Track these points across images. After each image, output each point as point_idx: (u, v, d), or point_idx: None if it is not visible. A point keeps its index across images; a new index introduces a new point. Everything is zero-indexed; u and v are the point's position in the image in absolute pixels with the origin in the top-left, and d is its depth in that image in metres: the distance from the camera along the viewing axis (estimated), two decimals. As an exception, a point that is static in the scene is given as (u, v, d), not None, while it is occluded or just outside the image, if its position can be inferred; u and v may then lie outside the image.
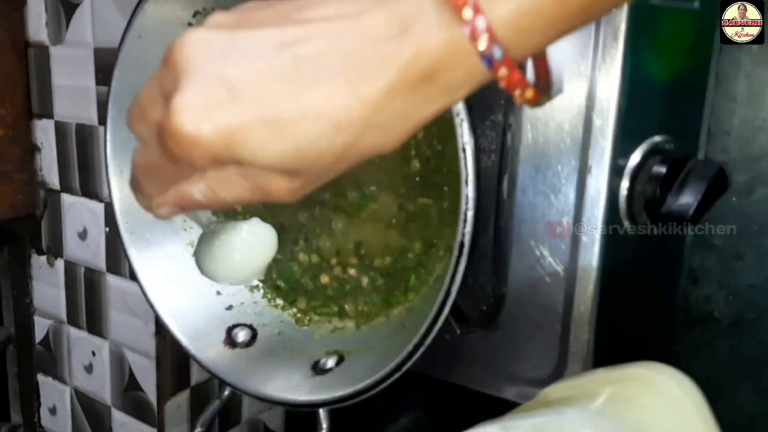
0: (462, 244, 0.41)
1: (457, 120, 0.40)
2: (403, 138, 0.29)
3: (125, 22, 0.55)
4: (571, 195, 0.47)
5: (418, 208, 0.52)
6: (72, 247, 0.87)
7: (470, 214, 0.41)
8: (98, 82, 0.78)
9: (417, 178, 0.52)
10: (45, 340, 0.94)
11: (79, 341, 0.89)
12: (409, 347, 0.44)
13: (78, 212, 0.85)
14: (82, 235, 0.85)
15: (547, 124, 0.47)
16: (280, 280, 0.60)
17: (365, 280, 0.56)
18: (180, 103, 0.27)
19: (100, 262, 0.83)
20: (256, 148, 0.28)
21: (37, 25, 0.82)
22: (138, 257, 0.59)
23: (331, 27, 0.28)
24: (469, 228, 0.41)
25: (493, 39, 0.26)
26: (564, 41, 0.45)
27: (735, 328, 0.65)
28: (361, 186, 0.55)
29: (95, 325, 0.87)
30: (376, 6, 0.27)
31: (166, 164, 0.30)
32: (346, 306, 0.57)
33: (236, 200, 0.31)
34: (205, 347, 0.57)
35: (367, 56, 0.27)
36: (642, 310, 0.57)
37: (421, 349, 0.44)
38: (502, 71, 0.27)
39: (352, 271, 0.56)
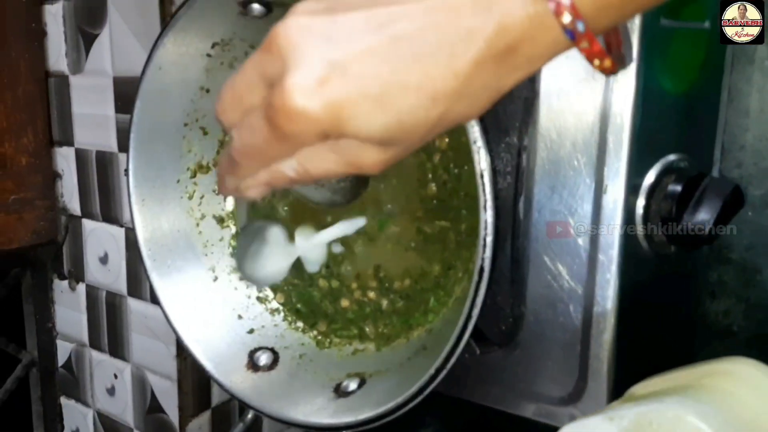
0: (482, 269, 0.42)
1: (474, 147, 0.41)
2: (486, 106, 0.31)
3: (143, 51, 0.56)
4: (588, 214, 0.47)
5: (436, 231, 0.53)
6: (93, 271, 0.88)
7: (489, 239, 0.41)
8: (117, 110, 0.79)
9: (434, 201, 0.53)
10: (67, 364, 0.94)
11: (101, 364, 0.90)
12: (431, 371, 0.44)
13: (99, 237, 0.86)
14: (103, 260, 0.86)
15: (562, 144, 0.47)
16: (299, 303, 0.61)
17: (385, 303, 0.56)
18: (291, 82, 0.29)
19: (121, 285, 0.84)
20: (361, 121, 0.30)
21: (57, 55, 0.84)
22: (160, 283, 0.60)
23: (420, 5, 0.29)
24: (488, 253, 0.42)
25: (576, 14, 0.28)
26: (576, 63, 0.46)
27: (754, 342, 0.65)
28: (381, 207, 0.56)
29: (117, 348, 0.87)
30: None
31: (269, 144, 0.32)
32: (367, 328, 0.57)
33: (326, 174, 0.33)
34: (228, 371, 0.57)
35: (457, 31, 0.29)
36: (661, 325, 0.57)
37: (443, 373, 0.44)
38: (584, 43, 0.30)
39: (371, 294, 0.57)
